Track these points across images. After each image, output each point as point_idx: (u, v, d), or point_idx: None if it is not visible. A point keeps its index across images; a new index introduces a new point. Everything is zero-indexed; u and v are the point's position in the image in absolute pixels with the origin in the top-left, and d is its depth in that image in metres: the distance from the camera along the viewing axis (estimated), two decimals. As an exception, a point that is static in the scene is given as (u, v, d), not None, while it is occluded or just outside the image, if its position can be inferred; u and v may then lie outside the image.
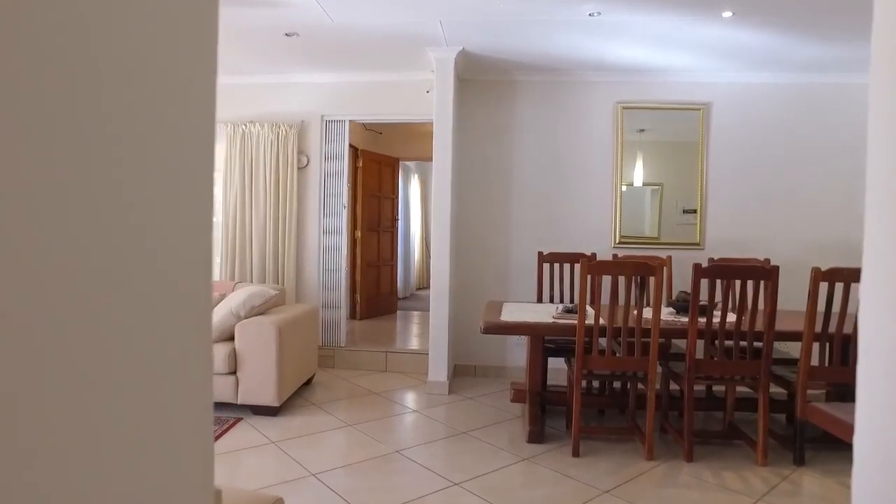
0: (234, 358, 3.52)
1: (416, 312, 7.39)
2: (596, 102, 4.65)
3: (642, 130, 4.65)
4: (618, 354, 3.09)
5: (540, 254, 4.23)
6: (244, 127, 4.81)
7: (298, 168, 4.84)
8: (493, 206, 4.75)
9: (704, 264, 2.98)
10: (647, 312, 3.30)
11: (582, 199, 4.66)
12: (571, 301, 4.15)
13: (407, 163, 9.12)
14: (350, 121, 4.88)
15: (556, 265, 4.29)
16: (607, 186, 4.65)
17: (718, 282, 3.11)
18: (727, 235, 4.55)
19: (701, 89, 4.56)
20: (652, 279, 3.07)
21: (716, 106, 4.56)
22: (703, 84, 4.55)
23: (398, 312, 7.28)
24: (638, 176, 4.64)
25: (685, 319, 3.19)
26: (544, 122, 4.68)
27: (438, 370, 4.20)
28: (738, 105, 4.54)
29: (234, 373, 3.53)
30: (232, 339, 3.57)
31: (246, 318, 3.62)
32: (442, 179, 4.18)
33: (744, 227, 4.54)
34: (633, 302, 3.04)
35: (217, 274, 4.97)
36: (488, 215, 4.75)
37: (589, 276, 3.03)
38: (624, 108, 4.61)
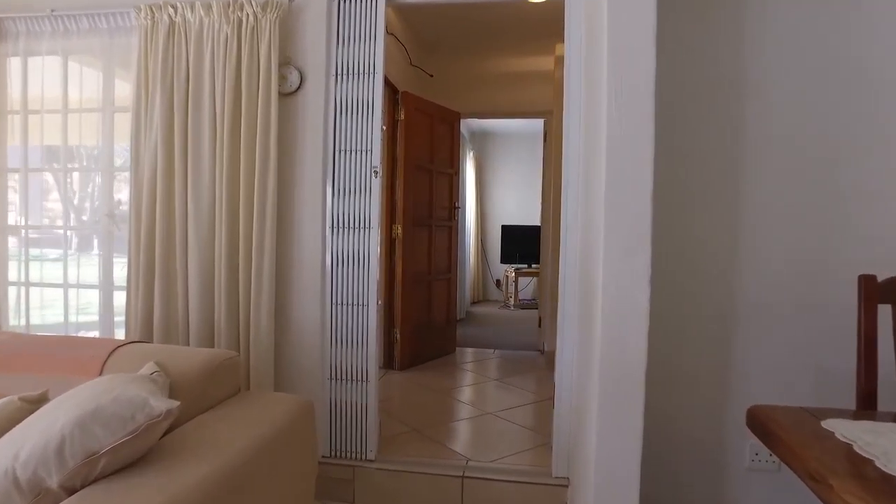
0: None
1: (476, 352, 4.86)
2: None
3: None
4: None
5: (865, 281, 1.64)
6: (171, 12, 2.35)
7: (282, 94, 2.36)
8: (698, 173, 2.17)
9: None
10: None
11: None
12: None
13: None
14: (388, -4, 2.37)
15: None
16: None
17: None
18: None
19: None
20: None
21: None
22: None
23: (456, 351, 4.76)
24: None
25: None
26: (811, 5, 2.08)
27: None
28: None
29: None
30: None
31: None
32: (635, 114, 1.63)
33: None
34: None
35: (114, 324, 2.54)
36: (688, 192, 2.17)
37: None
38: None
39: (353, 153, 2.37)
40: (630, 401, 1.59)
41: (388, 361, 4.07)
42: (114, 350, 1.73)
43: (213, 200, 2.33)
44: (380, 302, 2.44)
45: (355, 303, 2.41)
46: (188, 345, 2.33)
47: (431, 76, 4.70)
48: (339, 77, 2.38)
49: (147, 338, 2.34)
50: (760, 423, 1.48)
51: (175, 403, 1.24)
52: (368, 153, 2.36)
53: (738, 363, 2.13)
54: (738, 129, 2.12)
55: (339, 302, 2.42)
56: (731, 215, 2.14)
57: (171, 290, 2.36)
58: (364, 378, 2.42)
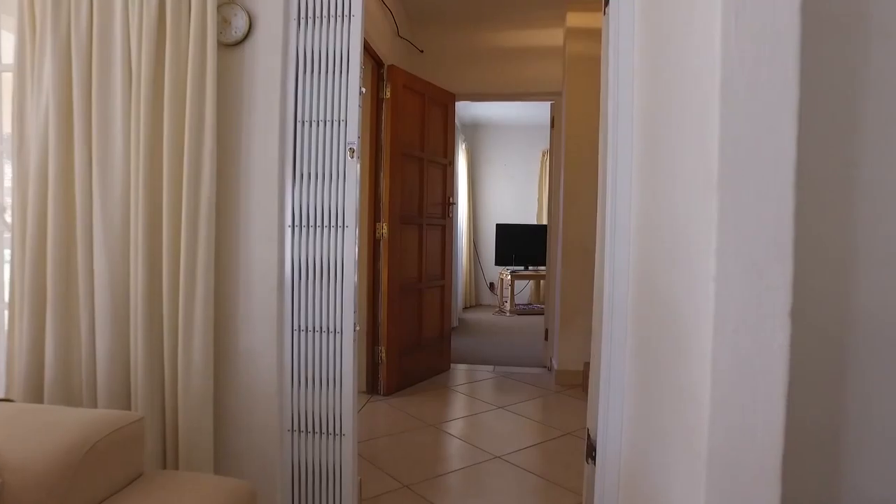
0: None
1: (472, 370, 4.24)
2: None
3: None
4: None
5: None
6: (68, -72, 1.70)
7: (223, 44, 1.73)
8: (798, 145, 1.57)
9: None
10: None
11: None
12: None
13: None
14: (368, -89, 1.75)
15: None
16: None
17: None
18: None
19: None
20: None
21: None
22: None
23: (451, 369, 4.14)
24: None
25: None
26: None
27: None
28: None
29: None
30: None
31: None
32: (774, 67, 1.01)
33: None
34: None
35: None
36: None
37: None
38: None
39: (322, 125, 1.74)
40: (763, 509, 0.98)
41: (372, 386, 3.44)
42: (-72, 425, 1.09)
43: (126, 191, 1.69)
44: (357, 328, 1.81)
45: (325, 328, 1.78)
46: (94, 399, 1.68)
47: (422, 52, 4.08)
48: (302, 21, 1.75)
49: (35, 389, 1.69)
50: None
51: None
52: (342, 125, 1.73)
53: (857, 415, 1.53)
54: (855, 83, 1.52)
55: (304, 327, 1.79)
56: (843, 202, 1.54)
57: (70, 319, 1.71)
58: (337, 430, 1.79)
